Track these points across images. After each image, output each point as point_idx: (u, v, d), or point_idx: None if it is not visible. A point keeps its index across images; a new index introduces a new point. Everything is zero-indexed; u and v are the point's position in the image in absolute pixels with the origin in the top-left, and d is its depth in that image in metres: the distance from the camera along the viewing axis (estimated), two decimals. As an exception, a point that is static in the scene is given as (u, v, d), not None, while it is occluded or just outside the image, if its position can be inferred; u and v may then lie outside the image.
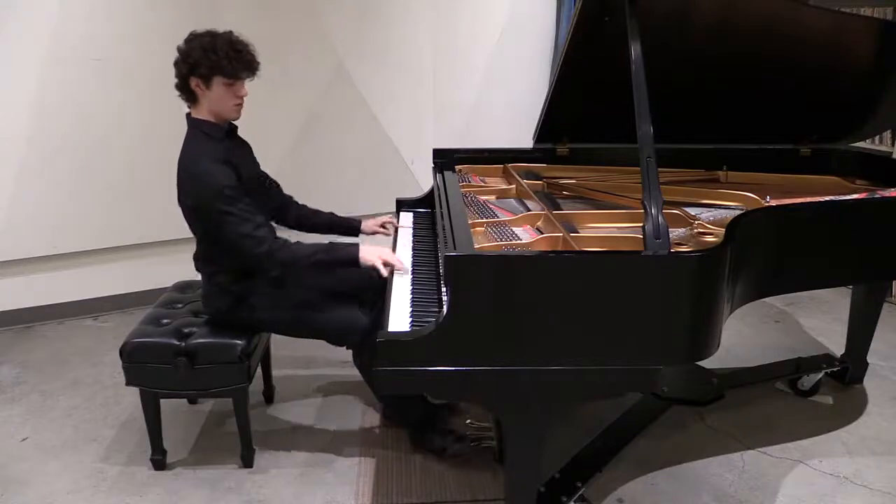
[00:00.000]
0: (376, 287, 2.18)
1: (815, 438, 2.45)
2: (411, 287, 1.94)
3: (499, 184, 2.56)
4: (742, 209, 2.19)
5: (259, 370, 2.47)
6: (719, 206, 2.30)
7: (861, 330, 2.72)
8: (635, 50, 1.85)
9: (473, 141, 3.65)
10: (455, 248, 1.69)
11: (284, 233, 2.18)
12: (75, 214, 3.32)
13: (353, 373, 2.38)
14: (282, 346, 2.79)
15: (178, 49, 2.05)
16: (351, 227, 2.49)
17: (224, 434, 2.47)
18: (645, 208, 1.65)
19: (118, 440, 2.46)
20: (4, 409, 2.67)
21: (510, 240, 1.92)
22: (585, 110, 2.41)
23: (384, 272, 1.99)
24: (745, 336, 3.23)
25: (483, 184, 2.55)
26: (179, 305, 2.43)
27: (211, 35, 2.03)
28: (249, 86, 2.13)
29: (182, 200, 2.11)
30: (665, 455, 2.34)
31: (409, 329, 1.69)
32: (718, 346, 1.67)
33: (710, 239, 1.93)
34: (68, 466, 2.32)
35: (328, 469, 2.28)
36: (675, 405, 2.51)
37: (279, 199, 2.43)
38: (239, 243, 2.02)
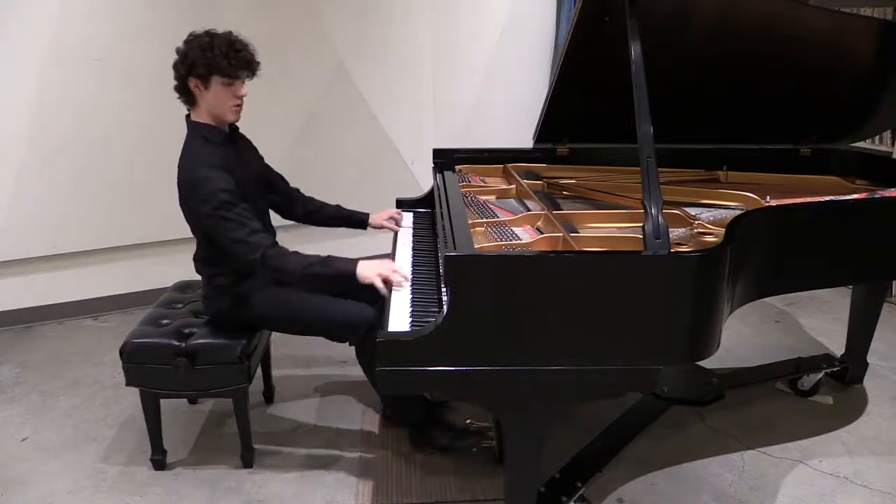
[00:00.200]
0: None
1: (815, 438, 2.45)
2: (411, 287, 1.94)
3: (499, 184, 2.56)
4: (742, 209, 2.19)
5: (259, 370, 2.47)
6: (719, 206, 2.30)
7: (861, 330, 2.71)
8: (635, 50, 1.85)
9: (473, 141, 3.65)
10: (455, 248, 1.69)
11: (288, 232, 2.16)
12: (75, 214, 3.32)
13: (353, 372, 2.38)
14: (282, 345, 2.79)
15: (177, 50, 2.04)
16: (358, 220, 2.49)
17: (224, 434, 2.47)
18: (645, 208, 1.65)
19: (118, 440, 2.46)
20: (4, 409, 2.67)
21: (510, 240, 1.93)
22: (585, 110, 2.41)
23: (383, 290, 1.90)
24: (745, 336, 3.23)
25: (483, 184, 2.55)
26: (179, 305, 2.43)
27: (210, 35, 2.02)
28: (249, 86, 2.12)
29: (181, 203, 2.11)
30: (665, 455, 2.34)
31: (409, 329, 1.69)
32: (718, 346, 1.67)
33: (710, 239, 1.93)
34: (68, 466, 2.32)
35: (328, 469, 2.29)
36: (675, 405, 2.51)
37: (285, 194, 2.43)
38: (232, 248, 2.01)
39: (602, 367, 1.59)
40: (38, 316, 3.42)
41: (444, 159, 2.65)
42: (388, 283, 1.91)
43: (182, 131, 2.13)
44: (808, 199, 2.21)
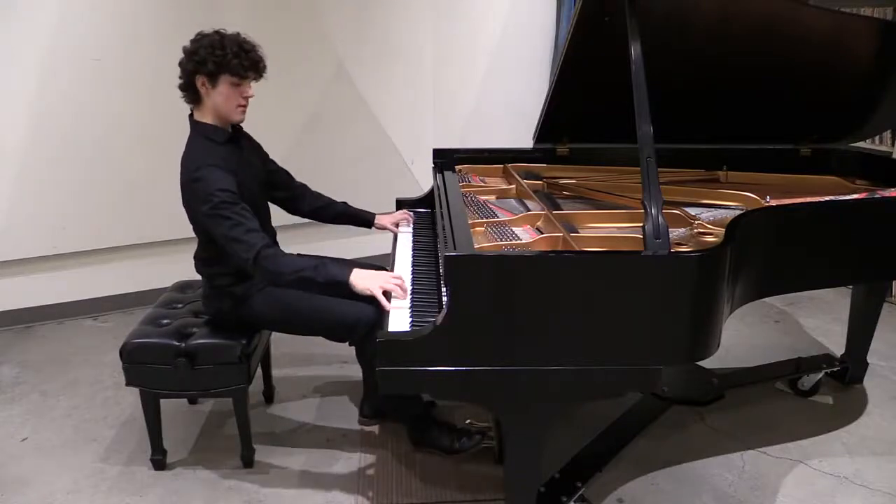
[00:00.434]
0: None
1: (815, 438, 2.45)
2: (411, 287, 1.94)
3: (499, 184, 2.56)
4: (742, 209, 2.19)
5: (259, 370, 2.47)
6: (719, 206, 2.30)
7: (861, 330, 2.72)
8: (635, 50, 1.85)
9: (473, 141, 3.65)
10: (455, 248, 1.69)
11: (288, 232, 2.15)
12: (75, 214, 3.32)
13: (353, 373, 2.38)
14: (282, 345, 2.79)
15: (184, 49, 2.03)
16: (364, 219, 2.49)
17: (224, 434, 2.47)
18: (645, 208, 1.65)
19: (118, 440, 2.46)
20: (4, 409, 2.67)
21: (510, 240, 1.93)
22: (585, 110, 2.41)
23: (386, 304, 1.83)
24: (745, 336, 3.23)
25: (483, 184, 2.55)
26: (179, 305, 2.43)
27: (219, 34, 2.02)
28: (249, 86, 2.12)
29: (184, 203, 2.11)
30: (665, 455, 2.34)
31: (409, 329, 1.69)
32: (718, 346, 1.67)
33: (710, 239, 1.93)
34: (68, 466, 2.32)
35: (328, 469, 2.29)
36: (675, 405, 2.52)
37: (290, 190, 2.43)
38: (229, 246, 2.00)
39: (602, 367, 1.59)
40: (38, 316, 3.42)
41: (444, 159, 2.66)
42: (388, 294, 1.88)
43: (182, 131, 2.12)
44: (808, 199, 2.21)
